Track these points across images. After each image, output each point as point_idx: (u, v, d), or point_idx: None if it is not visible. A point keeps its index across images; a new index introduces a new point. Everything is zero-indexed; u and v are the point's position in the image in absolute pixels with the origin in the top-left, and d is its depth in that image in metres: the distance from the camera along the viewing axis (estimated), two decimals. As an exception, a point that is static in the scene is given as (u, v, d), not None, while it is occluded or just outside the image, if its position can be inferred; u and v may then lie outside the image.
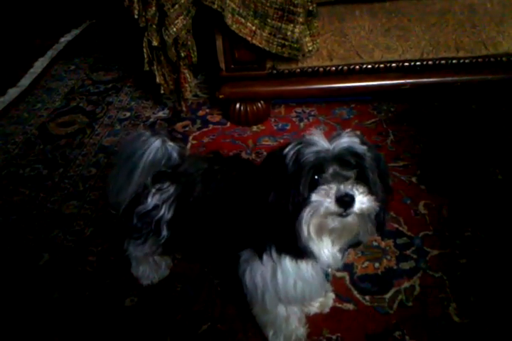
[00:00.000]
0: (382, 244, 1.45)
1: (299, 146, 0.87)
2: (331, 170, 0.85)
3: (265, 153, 1.86)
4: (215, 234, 1.11)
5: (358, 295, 1.31)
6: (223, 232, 1.08)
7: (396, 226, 1.50)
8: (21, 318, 1.32)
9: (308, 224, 0.85)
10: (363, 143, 0.89)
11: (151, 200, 1.15)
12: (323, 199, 0.83)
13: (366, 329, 1.22)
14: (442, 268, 1.37)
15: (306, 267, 1.00)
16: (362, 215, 0.86)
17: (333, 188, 0.83)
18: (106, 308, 1.33)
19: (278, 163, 0.88)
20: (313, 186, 0.85)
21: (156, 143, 1.14)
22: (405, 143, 1.87)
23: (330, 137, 0.89)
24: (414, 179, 1.69)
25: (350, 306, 1.28)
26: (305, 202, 0.84)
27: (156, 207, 1.15)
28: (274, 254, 0.95)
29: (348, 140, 0.87)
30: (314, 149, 0.85)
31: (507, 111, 2.00)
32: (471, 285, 1.32)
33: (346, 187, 0.83)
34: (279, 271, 1.00)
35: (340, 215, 0.85)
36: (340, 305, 1.28)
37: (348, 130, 0.91)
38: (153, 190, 1.15)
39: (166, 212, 1.14)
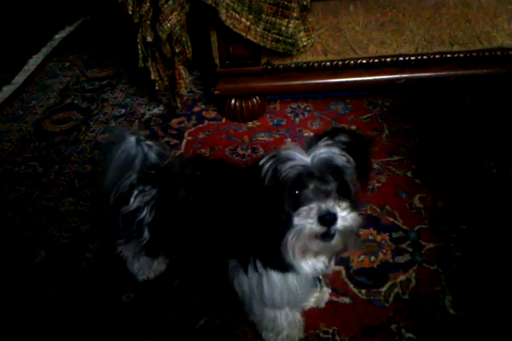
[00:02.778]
0: (378, 238, 1.45)
1: (273, 160, 0.84)
2: (311, 186, 0.83)
3: (261, 149, 1.86)
4: (195, 242, 1.09)
5: (354, 289, 1.32)
6: (204, 241, 1.06)
7: (392, 220, 1.51)
8: (19, 315, 1.32)
9: (293, 248, 0.84)
10: (343, 149, 0.85)
11: (134, 201, 1.13)
12: (306, 221, 0.81)
13: (362, 323, 1.23)
14: (438, 261, 1.37)
15: (292, 278, 0.99)
16: (345, 232, 0.84)
17: (314, 208, 0.81)
18: (103, 304, 1.33)
19: (254, 178, 0.85)
20: (295, 204, 0.83)
21: (130, 141, 1.13)
22: (400, 138, 1.87)
23: (306, 146, 0.85)
24: (409, 173, 1.69)
25: (346, 300, 1.29)
26: (288, 222, 0.82)
27: (138, 209, 1.13)
28: (260, 267, 0.94)
29: (326, 150, 0.84)
30: (292, 164, 0.82)
31: (501, 105, 2.00)
32: (467, 277, 1.32)
33: (328, 205, 0.81)
34: (265, 282, 0.99)
35: (324, 240, 0.83)
36: (336, 299, 1.29)
37: (325, 138, 0.87)
38: (136, 192, 1.13)
39: (147, 215, 1.13)
